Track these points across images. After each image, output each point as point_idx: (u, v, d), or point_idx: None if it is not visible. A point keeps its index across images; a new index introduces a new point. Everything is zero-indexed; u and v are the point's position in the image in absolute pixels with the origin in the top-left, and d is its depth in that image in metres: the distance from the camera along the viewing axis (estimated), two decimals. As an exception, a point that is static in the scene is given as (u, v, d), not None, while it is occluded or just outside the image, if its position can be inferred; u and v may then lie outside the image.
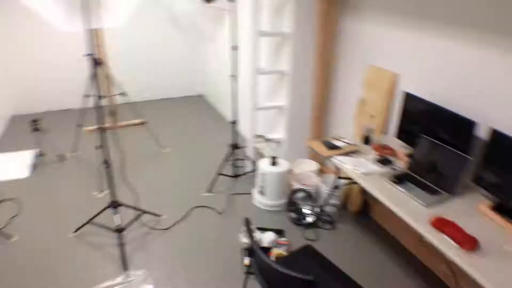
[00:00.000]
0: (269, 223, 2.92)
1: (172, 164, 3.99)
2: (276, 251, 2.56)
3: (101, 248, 2.74)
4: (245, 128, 4.32)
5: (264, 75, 3.44)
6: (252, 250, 1.68)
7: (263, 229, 2.80)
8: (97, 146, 3.38)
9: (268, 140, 3.51)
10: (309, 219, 2.95)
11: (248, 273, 2.03)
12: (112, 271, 2.51)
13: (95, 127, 4.59)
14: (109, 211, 2.79)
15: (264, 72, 3.38)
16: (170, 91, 5.99)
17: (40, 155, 4.07)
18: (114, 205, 2.78)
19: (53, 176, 3.76)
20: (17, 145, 4.33)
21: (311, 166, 3.34)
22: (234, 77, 3.28)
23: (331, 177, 3.12)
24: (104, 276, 2.46)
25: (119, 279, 2.42)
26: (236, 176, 3.63)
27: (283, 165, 3.10)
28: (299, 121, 3.43)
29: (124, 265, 2.53)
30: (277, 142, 3.58)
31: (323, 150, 2.65)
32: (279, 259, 2.24)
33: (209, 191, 3.43)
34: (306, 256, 2.04)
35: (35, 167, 3.89)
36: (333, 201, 3.04)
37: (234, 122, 3.48)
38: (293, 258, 2.04)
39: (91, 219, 2.89)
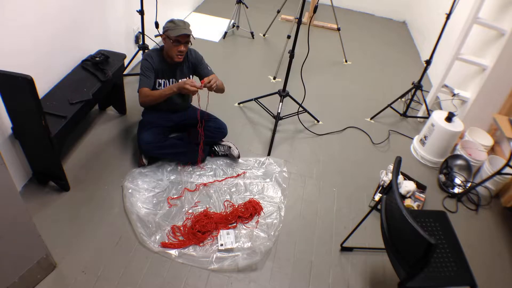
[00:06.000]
0: (416, 174, 2.88)
1: (348, 79, 4.06)
2: (408, 202, 2.59)
3: (255, 126, 3.15)
4: (435, 73, 4.00)
5: (480, 26, 2.99)
6: (389, 188, 1.77)
7: (407, 177, 2.81)
8: (288, 36, 3.61)
9: (454, 94, 3.23)
10: (456, 190, 2.81)
11: (373, 208, 2.15)
12: (256, 149, 2.92)
13: (292, 17, 4.81)
14: (275, 97, 3.10)
15: (481, 23, 2.95)
16: (373, 7, 5.70)
17: (234, 26, 4.54)
18: (282, 94, 3.08)
19: (239, 49, 4.26)
20: (218, 11, 4.91)
21: (485, 139, 3.02)
22: (447, 16, 2.98)
23: (499, 160, 2.81)
24: (248, 152, 2.88)
25: (261, 159, 2.82)
26: (405, 115, 3.53)
27: (456, 125, 2.89)
28: (496, 89, 3.01)
29: (269, 149, 2.90)
30: (462, 100, 3.27)
31: (507, 129, 2.37)
32: (407, 211, 2.29)
33: (372, 118, 3.46)
34: (436, 221, 2.04)
35: (226, 35, 4.40)
36: (489, 185, 2.79)
37: (428, 62, 3.26)
38: (422, 216, 2.08)
39: (258, 98, 3.27)
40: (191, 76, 2.61)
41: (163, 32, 2.39)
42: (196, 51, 2.61)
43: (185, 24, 2.39)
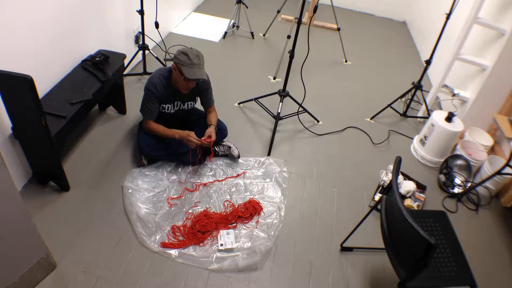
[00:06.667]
0: (416, 174, 2.88)
1: (348, 79, 4.06)
2: (408, 202, 2.59)
3: (255, 126, 3.15)
4: (435, 73, 4.00)
5: (480, 26, 2.99)
6: (389, 188, 1.78)
7: (407, 177, 2.81)
8: (288, 36, 3.62)
9: (454, 94, 3.23)
10: (456, 190, 2.82)
11: (373, 208, 2.15)
12: (256, 149, 2.92)
13: (292, 17, 4.81)
14: (275, 97, 3.10)
15: (481, 23, 2.95)
16: (373, 7, 5.70)
17: (234, 26, 4.54)
18: (282, 94, 3.08)
19: (239, 49, 4.26)
20: (218, 11, 4.91)
21: (485, 139, 3.02)
22: (447, 16, 2.98)
23: (499, 160, 2.82)
24: (248, 152, 2.88)
25: (261, 159, 2.82)
26: (405, 115, 3.53)
27: (456, 125, 2.89)
28: (496, 89, 3.01)
29: (269, 149, 2.90)
30: (462, 100, 3.27)
31: (507, 129, 2.37)
32: (407, 211, 2.28)
33: (372, 118, 3.46)
34: (436, 221, 2.04)
35: (226, 35, 4.40)
36: (489, 185, 2.79)
37: (428, 62, 3.26)
38: (422, 216, 2.08)
39: (258, 98, 3.27)
40: (194, 100, 2.65)
41: (175, 63, 2.32)
42: (207, 76, 2.55)
43: (201, 62, 2.33)
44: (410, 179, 2.79)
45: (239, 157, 2.73)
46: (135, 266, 2.02)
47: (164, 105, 2.52)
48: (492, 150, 3.05)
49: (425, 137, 3.03)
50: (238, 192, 2.51)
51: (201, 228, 2.20)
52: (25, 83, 1.76)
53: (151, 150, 2.53)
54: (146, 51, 3.38)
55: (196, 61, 2.30)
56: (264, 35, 4.60)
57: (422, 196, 2.68)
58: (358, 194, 2.69)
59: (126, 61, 2.88)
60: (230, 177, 2.60)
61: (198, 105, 2.73)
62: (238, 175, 2.63)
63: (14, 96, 1.88)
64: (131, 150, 2.71)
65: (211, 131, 2.51)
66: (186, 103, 2.61)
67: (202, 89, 2.58)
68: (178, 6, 4.44)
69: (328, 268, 2.19)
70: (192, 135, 2.40)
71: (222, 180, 2.58)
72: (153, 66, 3.25)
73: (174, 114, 2.62)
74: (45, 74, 2.34)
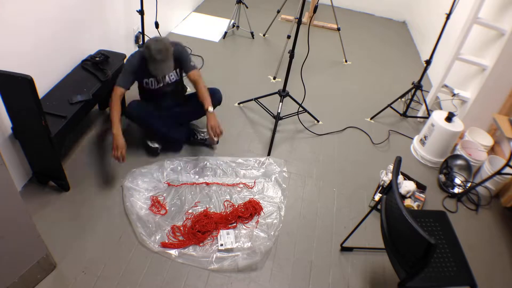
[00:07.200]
0: (416, 174, 2.88)
1: (348, 79, 4.06)
2: (408, 202, 2.59)
3: (255, 126, 3.15)
4: (435, 73, 4.00)
5: (480, 26, 2.99)
6: (389, 188, 1.78)
7: (407, 177, 2.81)
8: (288, 36, 3.62)
9: (454, 94, 3.23)
10: (456, 190, 2.82)
11: (373, 208, 2.15)
12: (256, 149, 2.92)
13: (292, 17, 4.81)
14: (275, 97, 3.10)
15: (481, 23, 2.95)
16: (373, 7, 5.70)
17: (234, 26, 4.54)
18: (282, 94, 3.08)
19: (239, 49, 4.26)
20: (218, 11, 4.90)
21: (485, 139, 3.02)
22: (447, 16, 2.98)
23: (499, 160, 2.82)
24: (247, 151, 2.88)
25: (261, 159, 2.81)
26: (405, 115, 3.53)
27: (456, 125, 2.89)
28: (496, 89, 3.01)
29: (269, 149, 2.90)
30: (462, 100, 3.27)
31: (507, 129, 2.37)
32: (407, 211, 2.29)
33: (372, 118, 3.46)
34: (436, 221, 2.04)
35: (226, 35, 4.40)
36: (489, 185, 2.79)
37: (428, 62, 3.26)
38: (422, 216, 2.08)
39: (258, 98, 3.27)
40: (176, 72, 2.59)
41: (142, 49, 2.33)
42: (183, 46, 2.54)
43: (164, 56, 2.27)
44: (410, 179, 2.79)
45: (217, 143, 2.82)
46: (135, 266, 2.02)
47: (146, 80, 2.50)
48: (492, 150, 3.05)
49: (425, 137, 3.03)
50: (238, 192, 2.51)
51: (201, 228, 2.20)
52: (25, 83, 1.76)
53: (140, 115, 2.54)
54: (146, 51, 3.38)
55: (158, 56, 2.25)
56: (264, 35, 4.60)
57: (422, 196, 2.68)
58: (358, 194, 2.69)
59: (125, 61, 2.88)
60: (231, 185, 2.57)
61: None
62: (245, 184, 2.58)
63: (14, 96, 1.88)
64: (131, 150, 2.70)
65: (213, 124, 2.44)
66: (167, 76, 2.56)
67: (180, 59, 2.52)
68: (178, 6, 4.44)
69: (328, 268, 2.19)
70: (120, 148, 2.27)
71: (222, 184, 2.58)
72: (153, 66, 3.25)
73: (163, 89, 2.59)
74: (45, 74, 2.34)
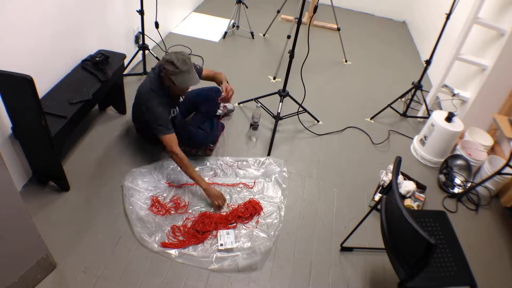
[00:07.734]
0: (416, 174, 2.88)
1: (348, 79, 4.06)
2: (408, 202, 2.59)
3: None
4: (435, 73, 4.00)
5: (480, 26, 2.99)
6: (389, 188, 1.78)
7: (407, 177, 2.81)
8: (288, 36, 3.62)
9: (454, 94, 3.23)
10: (456, 190, 2.82)
11: (373, 208, 2.15)
12: (256, 149, 2.92)
13: (292, 17, 4.81)
14: (275, 97, 3.10)
15: (481, 23, 2.95)
16: (373, 7, 5.70)
17: (234, 26, 4.54)
18: (282, 94, 3.08)
19: (239, 49, 4.26)
20: (218, 11, 4.90)
21: (485, 139, 3.02)
22: (447, 16, 2.98)
23: (499, 160, 2.82)
24: (248, 151, 2.88)
25: (261, 159, 2.81)
26: (405, 115, 3.53)
27: (456, 125, 2.89)
28: (496, 89, 3.01)
29: (269, 149, 2.89)
30: (462, 100, 3.27)
31: (507, 129, 2.37)
32: (407, 211, 2.29)
33: (372, 118, 3.46)
34: (436, 221, 2.04)
35: (226, 35, 4.40)
36: (489, 185, 2.79)
37: (428, 62, 3.26)
38: (422, 216, 2.08)
39: (258, 98, 3.24)
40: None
41: (164, 73, 2.25)
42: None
43: (189, 67, 2.21)
44: (410, 179, 2.79)
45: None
46: (135, 266, 2.02)
47: (173, 109, 2.52)
48: (492, 150, 3.05)
49: (425, 137, 3.03)
50: (238, 192, 2.51)
51: (201, 228, 2.20)
52: (25, 83, 1.76)
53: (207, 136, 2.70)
54: (146, 51, 3.38)
55: (184, 67, 2.20)
56: (264, 35, 4.60)
57: (422, 196, 2.68)
58: (358, 194, 2.69)
59: (126, 61, 2.88)
60: (231, 185, 2.58)
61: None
62: (245, 184, 2.58)
63: (14, 96, 1.88)
64: (131, 150, 2.70)
65: (227, 85, 2.58)
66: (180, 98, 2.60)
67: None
68: (178, 6, 4.44)
69: (328, 268, 2.19)
70: (221, 201, 2.34)
71: (223, 184, 2.58)
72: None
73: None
74: (45, 74, 2.34)
